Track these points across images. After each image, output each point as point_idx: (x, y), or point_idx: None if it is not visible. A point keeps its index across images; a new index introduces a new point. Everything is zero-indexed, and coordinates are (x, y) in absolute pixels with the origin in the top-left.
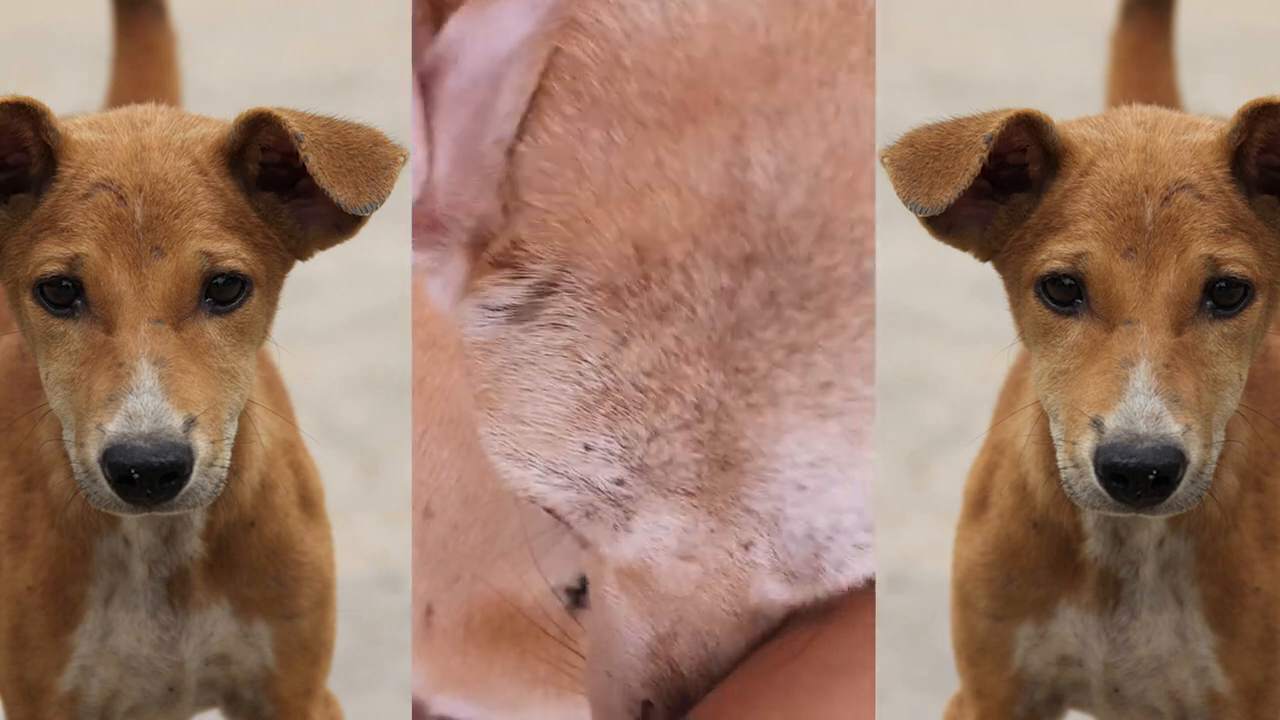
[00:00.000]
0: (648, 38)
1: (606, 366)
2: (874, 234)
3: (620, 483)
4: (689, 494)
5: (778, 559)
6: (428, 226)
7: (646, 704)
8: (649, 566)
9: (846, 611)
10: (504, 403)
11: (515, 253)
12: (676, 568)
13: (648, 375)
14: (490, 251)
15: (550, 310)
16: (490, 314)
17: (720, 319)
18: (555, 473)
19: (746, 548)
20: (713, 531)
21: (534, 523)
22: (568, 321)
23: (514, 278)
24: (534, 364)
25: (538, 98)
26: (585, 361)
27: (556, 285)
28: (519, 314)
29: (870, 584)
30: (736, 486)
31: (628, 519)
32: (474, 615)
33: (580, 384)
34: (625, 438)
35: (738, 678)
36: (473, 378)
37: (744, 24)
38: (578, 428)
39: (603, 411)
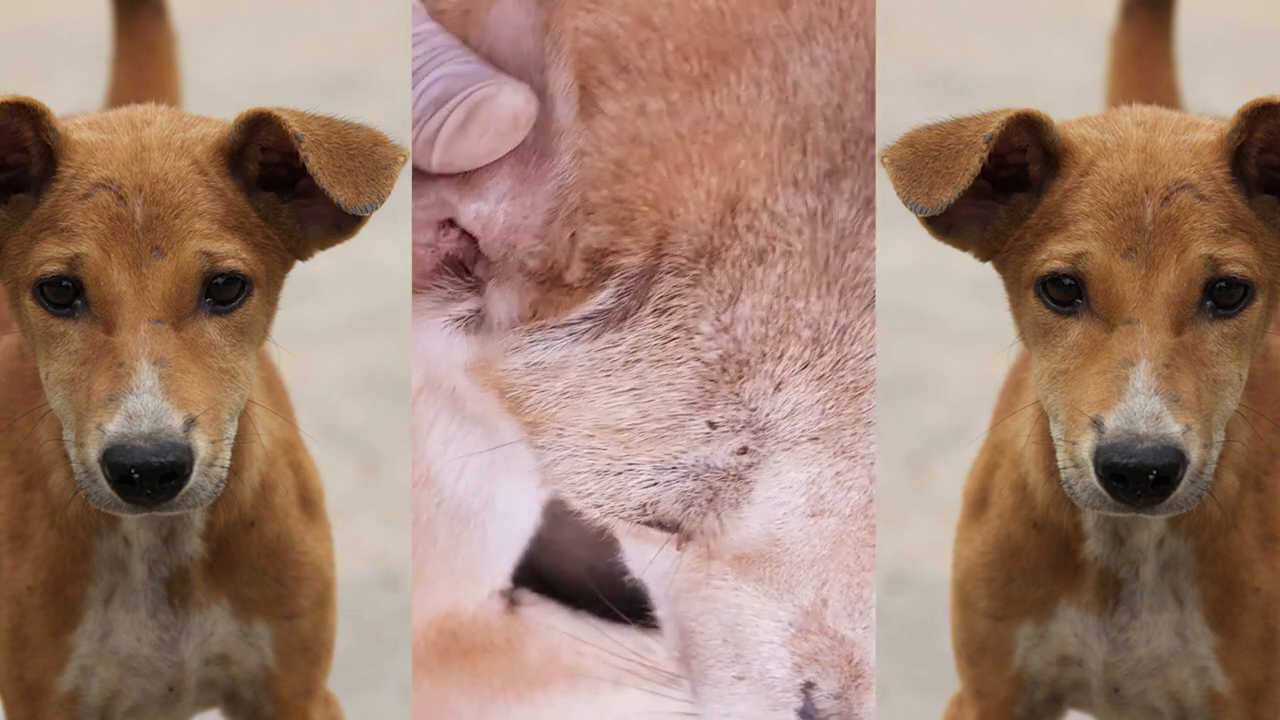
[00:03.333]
0: None
1: (722, 329)
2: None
3: (744, 451)
4: (814, 438)
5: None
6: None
7: (807, 686)
8: (777, 539)
9: None
10: (582, 419)
11: (598, 263)
12: (809, 529)
13: (763, 323)
14: (568, 277)
15: (653, 298)
16: (558, 332)
17: (820, 241)
18: (667, 468)
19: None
20: (839, 474)
21: (466, 534)
22: (674, 301)
23: (596, 286)
24: (636, 361)
25: (582, 86)
26: (699, 334)
27: (655, 270)
28: (607, 318)
29: None
30: (868, 412)
31: (750, 491)
32: (420, 641)
33: (699, 358)
34: (751, 397)
35: None
36: (524, 407)
37: None
38: (701, 407)
39: (726, 379)
